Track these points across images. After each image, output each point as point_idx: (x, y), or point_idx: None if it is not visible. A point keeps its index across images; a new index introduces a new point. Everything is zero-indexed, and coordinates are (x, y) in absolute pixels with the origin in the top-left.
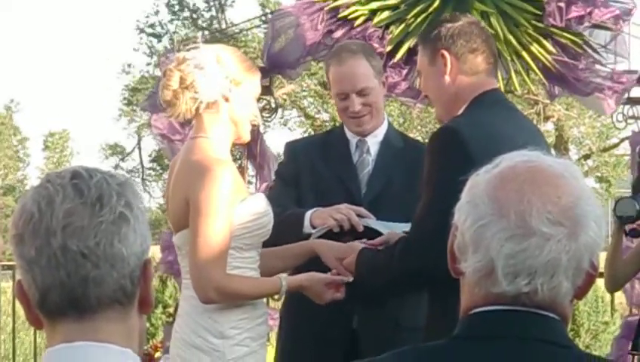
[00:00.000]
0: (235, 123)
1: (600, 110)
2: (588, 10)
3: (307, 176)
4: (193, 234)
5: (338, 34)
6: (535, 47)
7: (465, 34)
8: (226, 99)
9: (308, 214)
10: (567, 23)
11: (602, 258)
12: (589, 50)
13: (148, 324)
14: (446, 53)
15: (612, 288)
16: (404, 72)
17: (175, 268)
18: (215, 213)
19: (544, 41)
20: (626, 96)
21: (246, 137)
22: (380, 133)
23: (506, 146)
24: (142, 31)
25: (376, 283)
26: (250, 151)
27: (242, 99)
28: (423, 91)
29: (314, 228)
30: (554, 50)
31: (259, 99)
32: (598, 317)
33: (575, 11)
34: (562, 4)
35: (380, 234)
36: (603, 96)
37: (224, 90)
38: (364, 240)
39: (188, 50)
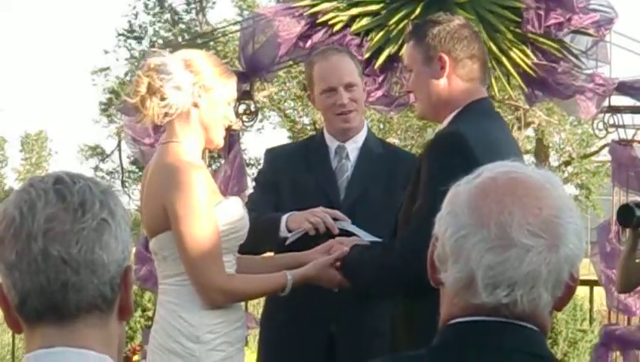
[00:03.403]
0: (206, 128)
1: (578, 115)
2: (567, 16)
3: (287, 182)
4: (180, 240)
5: (315, 38)
6: (515, 53)
7: (465, 38)
8: (195, 105)
9: (284, 218)
10: (547, 29)
11: (583, 266)
12: (569, 56)
13: (127, 328)
14: (445, 57)
15: (624, 289)
16: (379, 79)
17: (149, 283)
18: (197, 215)
19: (524, 47)
20: (606, 103)
21: (218, 142)
22: (360, 138)
23: (504, 156)
24: (121, 35)
25: (368, 276)
26: (229, 153)
27: (213, 105)
28: (410, 88)
29: (290, 231)
30: (534, 57)
31: (239, 103)
32: (576, 325)
33: (554, 18)
34: (541, 12)
35: (355, 236)
36: (584, 98)
37: (193, 97)
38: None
39: (157, 55)
